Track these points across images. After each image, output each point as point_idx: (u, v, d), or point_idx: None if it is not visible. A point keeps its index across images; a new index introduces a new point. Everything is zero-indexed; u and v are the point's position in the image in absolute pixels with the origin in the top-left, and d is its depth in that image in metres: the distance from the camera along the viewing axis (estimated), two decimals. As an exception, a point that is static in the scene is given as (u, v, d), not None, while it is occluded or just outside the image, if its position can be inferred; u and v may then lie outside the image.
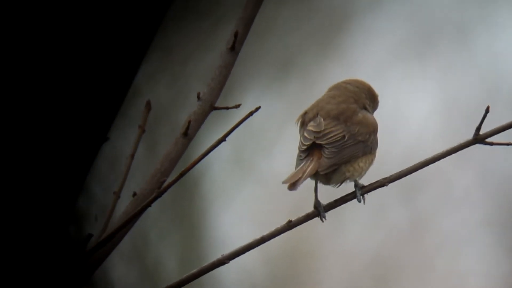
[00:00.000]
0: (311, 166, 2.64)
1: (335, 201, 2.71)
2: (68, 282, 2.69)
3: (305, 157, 2.68)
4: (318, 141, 2.68)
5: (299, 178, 2.61)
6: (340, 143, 2.67)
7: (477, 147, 2.62)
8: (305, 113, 2.79)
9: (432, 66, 4.08)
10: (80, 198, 3.81)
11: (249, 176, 4.09)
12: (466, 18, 4.09)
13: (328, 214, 2.73)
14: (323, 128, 2.70)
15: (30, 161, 3.51)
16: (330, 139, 2.68)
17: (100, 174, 3.91)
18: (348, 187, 2.74)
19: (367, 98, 2.82)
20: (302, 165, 2.66)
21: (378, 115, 2.87)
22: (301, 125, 2.78)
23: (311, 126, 2.71)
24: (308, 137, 2.70)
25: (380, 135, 2.80)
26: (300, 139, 2.73)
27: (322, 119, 2.72)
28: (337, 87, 2.83)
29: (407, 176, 2.70)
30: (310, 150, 2.69)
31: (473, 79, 4.03)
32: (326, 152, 2.65)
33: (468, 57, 4.06)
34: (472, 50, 4.06)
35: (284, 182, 2.62)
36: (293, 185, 2.61)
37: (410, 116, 4.06)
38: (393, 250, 4.04)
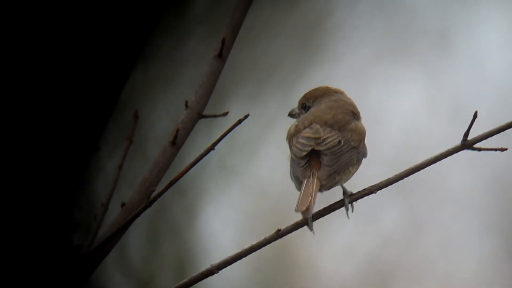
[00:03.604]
0: (315, 184, 2.67)
1: (324, 209, 2.71)
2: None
3: (305, 169, 2.70)
4: (317, 147, 2.71)
5: (310, 202, 2.63)
6: (337, 148, 2.72)
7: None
8: (296, 125, 2.82)
9: (415, 68, 4.09)
10: (69, 209, 3.78)
11: (234, 182, 4.08)
12: (448, 20, 4.10)
13: (318, 220, 2.71)
14: (322, 134, 2.74)
15: (17, 169, 3.46)
16: (328, 145, 2.72)
17: (90, 184, 3.89)
18: (337, 195, 2.74)
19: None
20: (305, 185, 2.67)
21: (362, 117, 2.91)
22: (293, 135, 2.80)
23: (307, 133, 2.76)
24: (308, 143, 2.74)
25: (366, 137, 2.86)
26: (296, 146, 2.75)
27: (318, 126, 2.76)
28: (336, 100, 2.86)
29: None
30: (308, 160, 2.72)
31: (456, 81, 4.04)
32: (326, 160, 2.70)
33: (450, 59, 4.07)
34: (455, 52, 4.07)
35: (297, 211, 2.63)
36: (307, 211, 2.63)
37: (395, 118, 4.07)
38: (386, 256, 4.02)
